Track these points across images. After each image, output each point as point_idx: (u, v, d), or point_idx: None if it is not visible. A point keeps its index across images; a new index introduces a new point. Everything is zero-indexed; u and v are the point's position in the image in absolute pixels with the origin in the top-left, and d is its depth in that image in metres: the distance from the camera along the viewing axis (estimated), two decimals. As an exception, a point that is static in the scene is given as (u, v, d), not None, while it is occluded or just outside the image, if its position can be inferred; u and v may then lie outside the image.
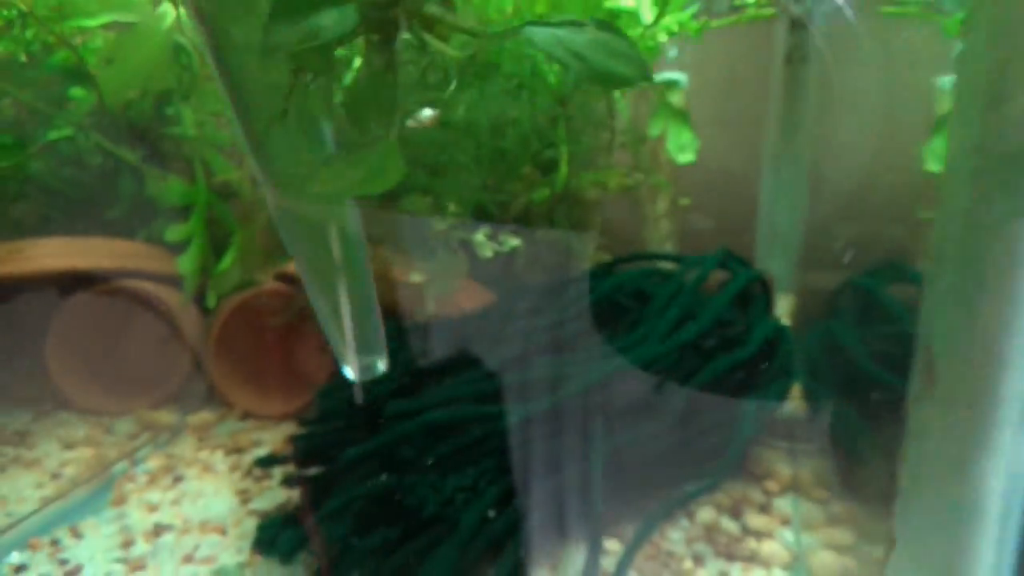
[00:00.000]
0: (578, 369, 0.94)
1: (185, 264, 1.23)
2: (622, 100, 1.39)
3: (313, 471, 0.90)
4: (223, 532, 0.90)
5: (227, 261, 1.25)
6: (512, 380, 0.92)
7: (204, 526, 0.90)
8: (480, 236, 1.02)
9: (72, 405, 1.18)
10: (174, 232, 1.23)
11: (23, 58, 1.24)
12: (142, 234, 1.36)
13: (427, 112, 0.90)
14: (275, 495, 0.98)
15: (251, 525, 0.91)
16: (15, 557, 0.83)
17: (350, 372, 0.72)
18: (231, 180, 1.30)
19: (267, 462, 0.96)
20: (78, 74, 1.26)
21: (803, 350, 1.09)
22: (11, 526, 0.86)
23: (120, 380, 1.23)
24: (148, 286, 1.21)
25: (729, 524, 0.90)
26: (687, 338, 0.99)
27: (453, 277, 1.05)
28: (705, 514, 0.91)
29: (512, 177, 1.11)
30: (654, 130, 1.48)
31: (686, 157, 1.44)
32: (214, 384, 1.21)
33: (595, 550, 0.79)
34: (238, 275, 1.28)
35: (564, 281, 1.19)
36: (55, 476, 1.00)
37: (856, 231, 1.46)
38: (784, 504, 0.94)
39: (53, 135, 1.19)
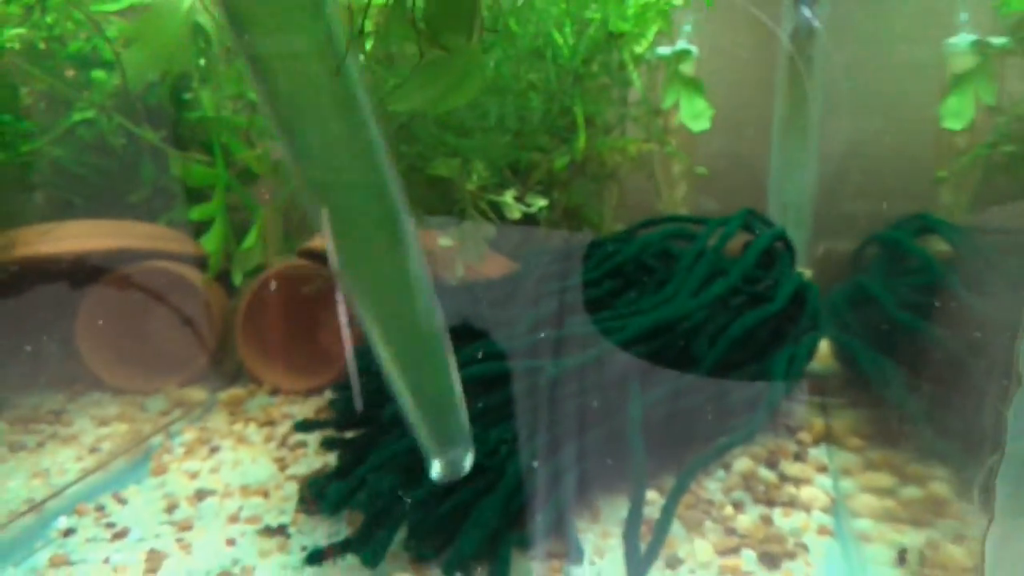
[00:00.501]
0: (610, 327, 0.95)
1: (209, 243, 1.23)
2: (634, 72, 1.39)
3: (353, 432, 0.91)
4: (265, 495, 0.90)
5: (251, 238, 1.26)
6: (547, 338, 0.93)
7: (246, 490, 0.91)
8: (508, 197, 1.03)
9: (104, 385, 1.18)
10: (198, 211, 1.24)
11: (42, 45, 1.25)
12: (164, 219, 1.37)
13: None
14: (312, 461, 0.99)
15: (292, 489, 0.91)
16: (63, 522, 0.83)
17: (435, 470, 0.69)
18: (251, 162, 1.30)
19: (306, 426, 0.96)
20: (98, 60, 1.27)
21: (831, 305, 1.10)
22: (55, 494, 0.87)
23: (150, 359, 1.23)
24: (174, 266, 1.22)
25: (766, 473, 0.91)
26: (717, 293, 0.99)
27: (482, 240, 1.05)
28: (741, 464, 0.92)
29: (537, 139, 1.12)
30: (667, 100, 1.48)
31: (700, 125, 1.45)
32: (242, 361, 1.21)
33: (638, 499, 0.79)
34: (262, 253, 1.29)
35: (588, 245, 1.19)
36: (93, 450, 1.00)
37: (873, 196, 1.47)
38: (819, 453, 0.95)
39: (77, 116, 1.20)
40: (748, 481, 0.89)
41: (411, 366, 0.63)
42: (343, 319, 0.95)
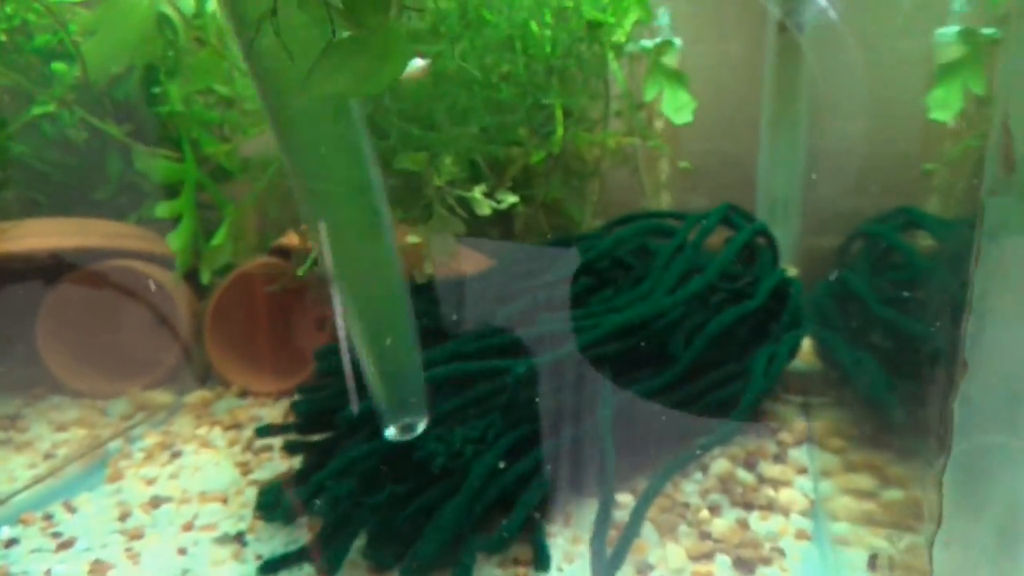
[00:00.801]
0: (583, 325, 0.92)
1: (176, 241, 1.19)
2: (615, 63, 1.36)
3: (318, 436, 0.88)
4: (224, 501, 0.87)
5: (220, 236, 1.22)
6: (516, 336, 0.90)
7: (204, 496, 0.87)
8: (477, 193, 0.99)
9: (65, 388, 1.15)
10: (164, 209, 1.20)
11: (3, 37, 1.21)
12: (132, 217, 1.34)
13: (417, 62, 0.87)
14: (276, 466, 0.95)
15: (253, 494, 0.88)
16: (6, 532, 0.80)
17: (390, 432, 0.71)
18: (220, 157, 1.27)
19: (268, 431, 0.93)
20: (65, 53, 1.23)
21: (814, 302, 1.07)
22: (0, 503, 0.83)
23: (113, 362, 1.19)
24: (139, 265, 1.18)
25: (744, 475, 0.88)
26: (694, 290, 0.96)
27: (451, 237, 1.02)
28: (719, 466, 0.89)
29: (509, 133, 1.08)
30: (649, 93, 1.45)
31: (683, 118, 1.41)
32: (210, 363, 1.18)
33: (607, 502, 0.76)
34: (230, 251, 1.25)
35: (564, 241, 1.16)
36: (48, 456, 0.97)
37: (862, 190, 1.44)
38: (799, 455, 0.92)
39: (36, 110, 1.16)
40: (726, 483, 0.86)
41: (378, 338, 0.68)
42: (338, 319, 0.90)
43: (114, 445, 1.00)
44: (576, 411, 0.85)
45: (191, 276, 1.24)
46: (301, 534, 0.80)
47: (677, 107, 1.44)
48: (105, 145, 1.31)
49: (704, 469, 0.89)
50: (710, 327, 0.94)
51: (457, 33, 0.96)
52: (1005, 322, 0.47)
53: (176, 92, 1.27)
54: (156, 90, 1.31)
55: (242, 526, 0.81)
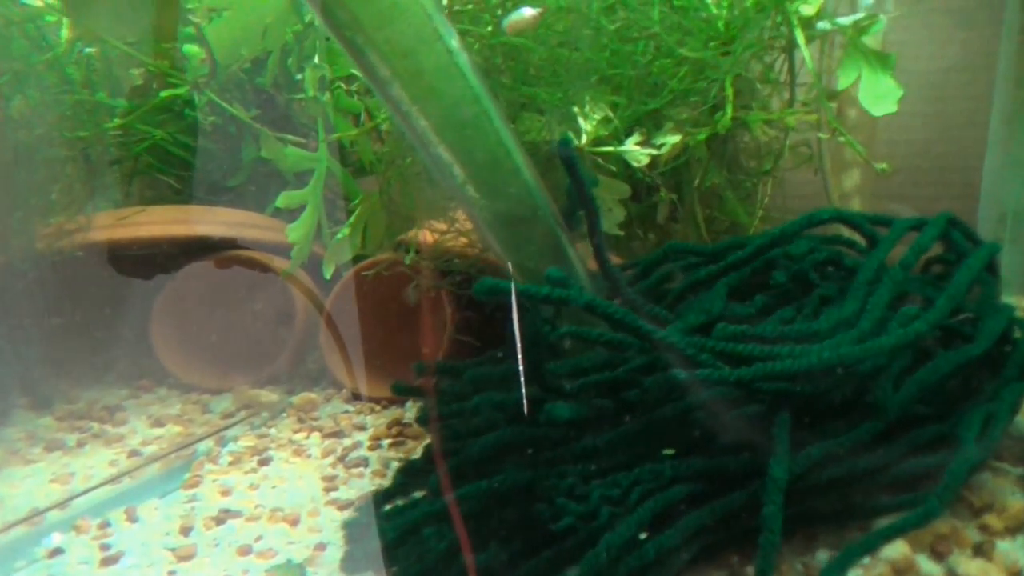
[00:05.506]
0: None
1: (295, 232, 1.12)
2: (805, 48, 1.14)
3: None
4: (294, 523, 0.76)
5: (345, 229, 1.14)
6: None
7: (274, 515, 0.77)
8: (631, 142, 0.82)
9: (173, 381, 1.10)
10: (284, 198, 1.13)
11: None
12: (271, 208, 1.29)
13: (526, 11, 0.72)
14: (363, 484, 0.84)
15: (328, 516, 0.77)
16: (55, 540, 0.73)
17: None
18: (345, 141, 1.19)
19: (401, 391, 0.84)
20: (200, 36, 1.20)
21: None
22: (59, 504, 0.77)
23: (225, 355, 1.14)
24: (259, 256, 1.12)
25: (928, 566, 0.64)
26: (920, 332, 0.70)
27: (616, 204, 0.85)
28: (894, 548, 0.66)
29: (653, 100, 0.90)
30: (844, 79, 1.20)
31: (884, 108, 1.15)
32: (325, 362, 1.09)
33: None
34: (357, 245, 1.16)
35: (724, 246, 0.96)
36: (133, 454, 0.91)
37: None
38: (1011, 548, 0.67)
39: (164, 94, 1.13)
40: (901, 574, 0.63)
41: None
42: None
43: (204, 446, 0.92)
44: (746, 466, 0.66)
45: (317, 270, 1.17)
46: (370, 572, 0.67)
47: (877, 96, 1.18)
48: (242, 131, 1.27)
49: (872, 550, 0.67)
50: (921, 374, 0.71)
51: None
52: None
53: (311, 76, 1.20)
54: (299, 77, 1.25)
55: (304, 555, 0.70)
